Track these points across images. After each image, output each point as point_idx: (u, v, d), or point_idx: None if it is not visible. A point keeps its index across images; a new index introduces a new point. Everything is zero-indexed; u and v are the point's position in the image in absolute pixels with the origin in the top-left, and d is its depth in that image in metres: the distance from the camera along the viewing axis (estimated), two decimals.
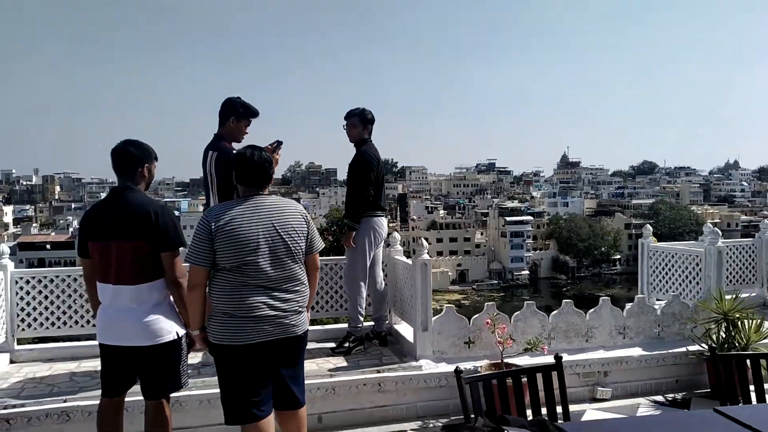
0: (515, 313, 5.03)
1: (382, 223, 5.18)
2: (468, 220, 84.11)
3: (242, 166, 3.09)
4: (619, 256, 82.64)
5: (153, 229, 3.10)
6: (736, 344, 4.99)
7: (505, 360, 4.61)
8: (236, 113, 4.50)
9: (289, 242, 3.06)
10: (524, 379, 3.17)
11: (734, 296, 5.11)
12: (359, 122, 5.10)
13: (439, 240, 75.34)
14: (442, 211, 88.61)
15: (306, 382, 3.37)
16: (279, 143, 4.12)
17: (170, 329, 3.17)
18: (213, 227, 2.96)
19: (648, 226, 6.50)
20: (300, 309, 3.14)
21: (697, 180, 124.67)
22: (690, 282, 5.80)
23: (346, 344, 5.03)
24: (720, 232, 5.48)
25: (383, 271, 5.47)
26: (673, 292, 6.07)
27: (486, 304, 4.97)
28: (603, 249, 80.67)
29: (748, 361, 3.46)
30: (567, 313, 5.12)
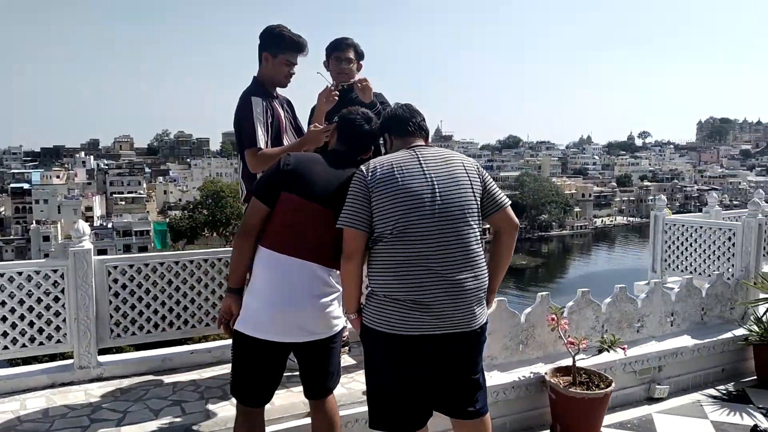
0: (569, 305, 4.15)
1: None
2: None
3: (393, 113, 2.70)
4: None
5: None
6: None
7: (578, 363, 3.74)
8: (269, 46, 3.23)
9: (459, 200, 2.44)
10: None
11: None
12: (355, 57, 3.74)
13: None
14: None
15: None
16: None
17: (341, 314, 2.64)
18: (369, 179, 2.43)
19: (662, 197, 5.94)
20: (482, 294, 2.51)
21: (556, 154, 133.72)
22: (718, 259, 5.29)
23: None
24: (760, 204, 4.99)
25: None
26: (694, 270, 5.56)
27: (539, 294, 4.05)
28: None
29: None
30: (621, 301, 4.34)
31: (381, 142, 2.79)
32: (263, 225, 2.50)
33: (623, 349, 3.83)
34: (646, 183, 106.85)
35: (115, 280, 3.66)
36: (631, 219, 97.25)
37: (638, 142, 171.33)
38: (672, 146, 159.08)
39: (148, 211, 64.01)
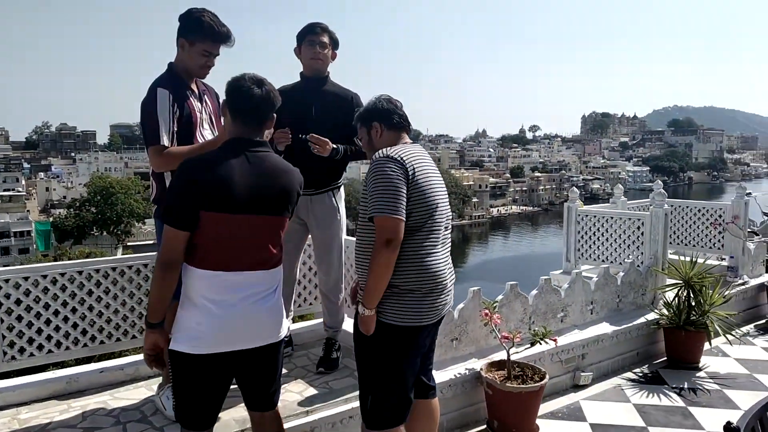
0: (498, 298, 4.15)
1: None
2: None
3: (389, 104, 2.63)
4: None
5: (296, 201, 2.40)
6: (695, 311, 4.80)
7: (512, 356, 3.74)
8: (186, 31, 2.90)
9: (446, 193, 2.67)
10: None
11: (692, 260, 4.89)
12: (330, 43, 3.53)
13: None
14: None
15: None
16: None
17: (284, 315, 2.43)
18: (409, 172, 2.43)
19: (575, 188, 6.12)
20: None
21: (454, 147, 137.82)
22: (628, 247, 5.53)
23: (335, 355, 3.70)
24: (666, 193, 5.25)
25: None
26: (606, 258, 5.79)
27: (471, 289, 4.01)
28: None
29: None
30: (546, 292, 4.41)
31: (366, 128, 2.64)
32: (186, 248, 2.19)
33: (554, 340, 3.88)
34: (536, 174, 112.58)
35: (7, 296, 3.19)
36: (524, 208, 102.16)
37: (529, 135, 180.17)
38: (559, 139, 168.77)
39: (28, 210, 58.87)
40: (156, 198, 3.00)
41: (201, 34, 2.90)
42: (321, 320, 4.00)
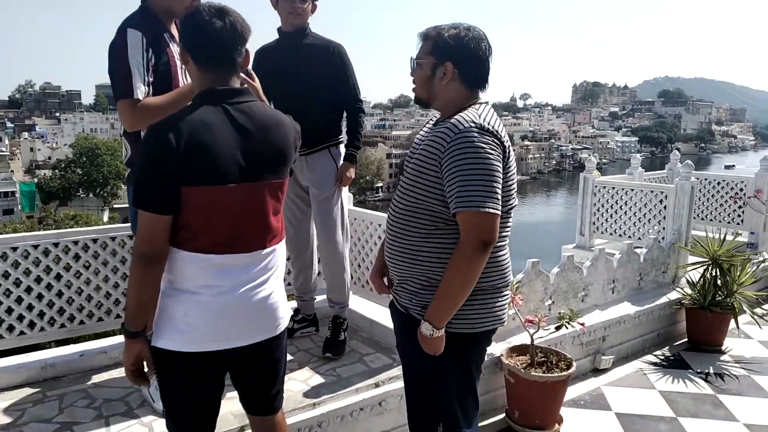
0: (518, 276, 3.81)
1: None
2: None
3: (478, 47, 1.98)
4: (381, 184, 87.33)
5: (294, 155, 1.96)
6: (721, 290, 4.50)
7: (536, 341, 3.42)
8: None
9: None
10: None
11: (722, 237, 4.57)
12: None
13: None
14: None
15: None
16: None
17: (286, 303, 2.04)
18: (504, 147, 1.89)
19: (591, 158, 5.75)
20: None
21: None
22: (648, 222, 5.20)
23: (342, 337, 3.37)
24: (692, 164, 4.91)
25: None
26: (623, 233, 5.47)
27: None
28: (367, 177, 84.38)
29: None
30: (568, 270, 4.08)
31: (434, 63, 1.97)
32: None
33: (582, 325, 3.56)
34: (526, 142, 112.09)
35: None
36: None
37: (520, 103, 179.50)
38: (550, 108, 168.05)
39: (12, 171, 57.69)
40: (130, 160, 2.56)
41: None
42: (324, 296, 3.64)
